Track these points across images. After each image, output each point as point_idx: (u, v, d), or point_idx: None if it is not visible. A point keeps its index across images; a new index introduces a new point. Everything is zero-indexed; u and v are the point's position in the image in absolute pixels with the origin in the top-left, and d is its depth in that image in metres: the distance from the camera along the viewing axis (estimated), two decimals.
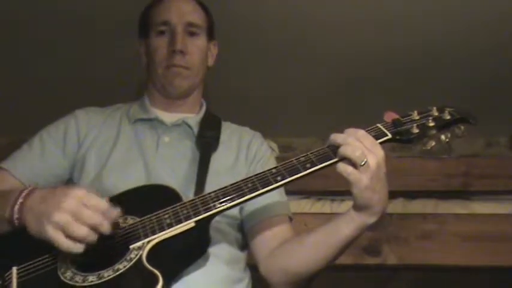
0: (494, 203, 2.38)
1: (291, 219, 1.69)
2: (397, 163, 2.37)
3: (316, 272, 1.54)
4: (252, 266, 1.67)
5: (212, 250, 1.49)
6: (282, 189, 1.69)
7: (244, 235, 1.66)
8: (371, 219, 1.41)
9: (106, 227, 1.28)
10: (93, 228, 1.27)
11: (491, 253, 2.29)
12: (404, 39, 2.74)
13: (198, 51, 1.74)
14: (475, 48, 2.75)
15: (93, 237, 1.27)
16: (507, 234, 2.30)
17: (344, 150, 1.34)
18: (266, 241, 1.61)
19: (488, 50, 2.75)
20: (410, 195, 2.42)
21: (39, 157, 1.67)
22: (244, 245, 1.68)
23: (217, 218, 1.42)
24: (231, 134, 1.77)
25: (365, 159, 1.33)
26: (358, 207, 1.40)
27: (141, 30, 1.81)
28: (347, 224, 1.44)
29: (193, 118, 1.76)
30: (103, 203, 1.30)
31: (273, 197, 1.58)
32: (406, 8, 2.66)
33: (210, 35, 1.81)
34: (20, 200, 1.36)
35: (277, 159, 1.89)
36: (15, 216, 1.36)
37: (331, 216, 2.25)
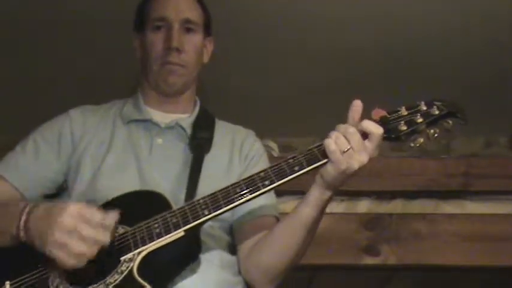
0: (494, 203, 2.38)
1: (277, 219, 1.67)
2: (397, 163, 2.37)
3: (288, 262, 1.54)
4: None
5: (205, 255, 1.49)
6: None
7: (233, 236, 1.66)
8: (325, 195, 1.43)
9: (105, 239, 1.31)
10: (93, 243, 1.30)
11: (491, 253, 2.29)
12: (404, 38, 2.73)
13: (194, 48, 1.73)
14: (475, 48, 2.75)
15: (93, 251, 1.30)
16: (507, 234, 2.30)
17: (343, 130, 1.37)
18: (247, 242, 1.61)
19: (488, 50, 2.75)
20: (410, 195, 2.42)
21: (33, 162, 1.66)
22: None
23: (209, 222, 1.42)
24: (224, 134, 1.77)
25: (348, 147, 1.35)
26: (320, 178, 1.41)
27: (137, 24, 1.79)
28: (305, 203, 1.46)
29: (187, 119, 1.75)
30: (99, 215, 1.32)
31: (260, 198, 1.55)
32: (406, 7, 2.65)
33: (207, 32, 1.80)
34: (24, 218, 1.37)
35: (277, 159, 1.89)
36: (22, 233, 1.36)
37: (330, 216, 2.26)
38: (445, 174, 2.39)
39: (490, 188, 2.39)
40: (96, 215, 1.32)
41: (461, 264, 2.30)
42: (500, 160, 2.56)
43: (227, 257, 1.61)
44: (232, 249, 1.66)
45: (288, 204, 2.27)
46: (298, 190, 2.37)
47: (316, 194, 1.44)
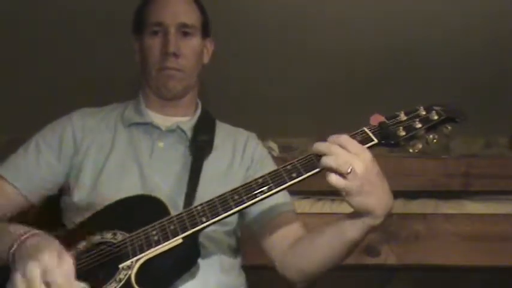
0: (494, 203, 2.38)
1: (295, 213, 1.68)
2: (397, 163, 2.37)
3: (328, 268, 1.54)
4: (252, 269, 1.67)
5: (205, 259, 1.49)
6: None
7: (256, 236, 1.66)
8: (376, 221, 1.38)
9: None
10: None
11: (491, 253, 2.28)
12: (404, 39, 2.74)
13: (191, 52, 1.73)
14: (475, 49, 2.75)
15: None
16: (507, 234, 2.30)
17: (326, 161, 1.30)
18: (278, 241, 1.61)
19: (488, 51, 2.75)
20: (410, 195, 2.42)
21: (34, 164, 1.67)
22: (238, 250, 1.69)
23: (212, 227, 1.41)
24: (225, 137, 1.76)
25: (350, 167, 1.28)
26: (358, 213, 1.37)
27: (135, 27, 1.80)
28: (352, 226, 1.41)
29: (188, 122, 1.75)
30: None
31: (275, 196, 1.53)
32: (406, 8, 2.66)
33: (205, 33, 1.79)
34: (15, 246, 1.34)
35: (277, 159, 1.89)
36: (10, 259, 1.34)
37: (331, 216, 2.26)
38: (445, 175, 2.39)
39: (490, 188, 2.38)
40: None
41: (461, 264, 2.30)
42: (500, 160, 2.56)
43: (228, 260, 1.61)
44: (234, 251, 1.66)
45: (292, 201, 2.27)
46: (299, 190, 2.38)
47: (360, 223, 1.39)
